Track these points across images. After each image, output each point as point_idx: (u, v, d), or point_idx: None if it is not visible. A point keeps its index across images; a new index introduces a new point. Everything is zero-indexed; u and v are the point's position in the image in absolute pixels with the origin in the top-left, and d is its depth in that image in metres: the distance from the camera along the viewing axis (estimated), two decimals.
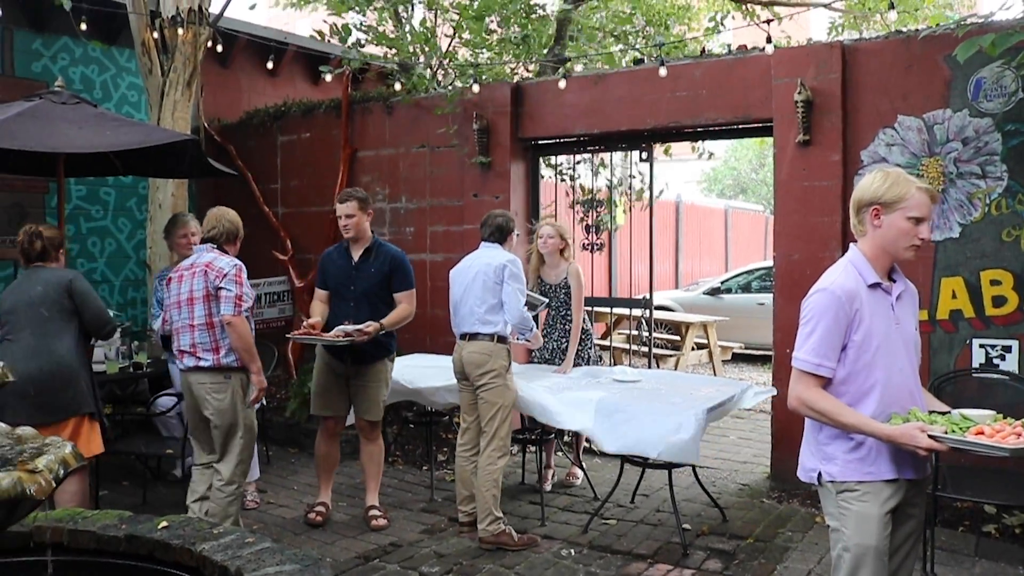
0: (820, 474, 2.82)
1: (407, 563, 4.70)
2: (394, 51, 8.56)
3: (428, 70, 8.29)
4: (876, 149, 5.72)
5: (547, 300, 5.92)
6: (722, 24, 9.62)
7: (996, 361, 5.42)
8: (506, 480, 6.00)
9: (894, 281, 2.84)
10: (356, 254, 5.28)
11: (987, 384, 5.20)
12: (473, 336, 4.98)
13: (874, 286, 2.75)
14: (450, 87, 7.60)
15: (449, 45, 8.68)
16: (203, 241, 4.76)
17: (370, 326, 5.04)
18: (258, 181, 8.60)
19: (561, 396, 5.05)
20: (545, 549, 4.90)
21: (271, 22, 10.20)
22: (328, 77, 8.18)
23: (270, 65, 9.26)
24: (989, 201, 5.43)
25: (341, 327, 5.03)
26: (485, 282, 4.94)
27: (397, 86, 7.64)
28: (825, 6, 10.42)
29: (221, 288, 4.52)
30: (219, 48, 8.27)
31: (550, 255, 6.00)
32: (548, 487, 5.98)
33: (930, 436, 2.51)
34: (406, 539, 5.07)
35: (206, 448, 4.77)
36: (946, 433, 2.50)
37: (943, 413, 2.71)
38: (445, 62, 8.62)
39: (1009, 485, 4.71)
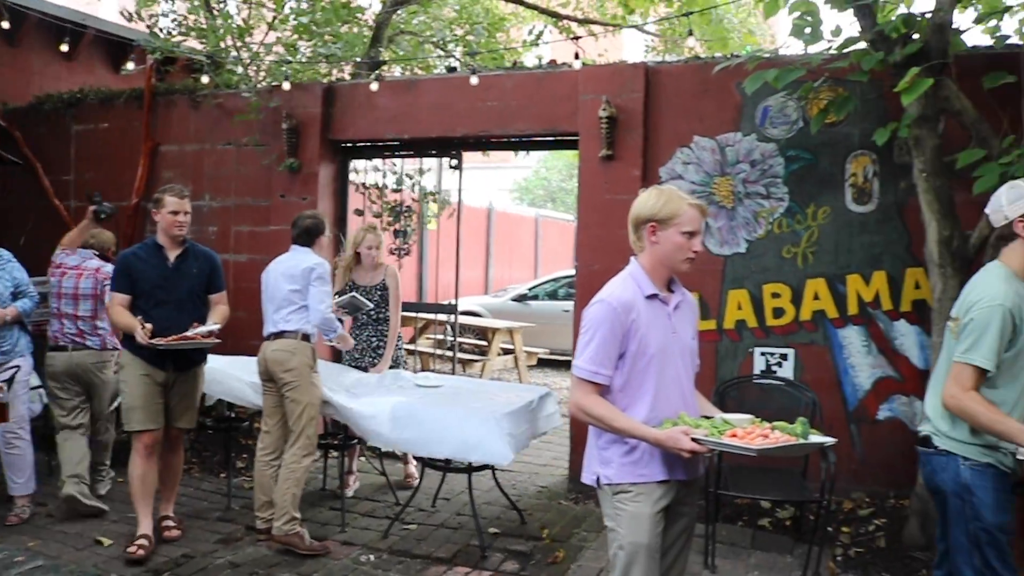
0: (598, 477, 2.94)
1: (200, 575, 4.53)
2: (203, 42, 8.24)
3: (240, 66, 8.02)
4: (673, 167, 6.03)
5: (372, 304, 5.95)
6: (539, 39, 9.85)
7: (774, 368, 5.84)
8: (306, 487, 5.89)
9: (673, 292, 3.00)
10: (172, 255, 4.95)
11: (766, 389, 5.58)
12: (278, 335, 4.93)
13: (651, 297, 2.89)
14: (260, 84, 7.40)
15: (262, 41, 8.42)
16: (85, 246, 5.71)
17: (216, 327, 4.89)
18: (48, 172, 8.05)
19: (360, 400, 5.03)
20: (344, 555, 4.86)
21: (70, 1, 9.53)
22: (131, 65, 7.78)
23: (64, 47, 8.69)
24: (772, 220, 5.85)
25: (199, 328, 4.82)
26: (292, 285, 4.92)
27: (204, 79, 7.36)
28: (637, 28, 10.90)
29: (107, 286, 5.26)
30: (5, 24, 7.67)
31: (372, 259, 6.07)
32: (350, 492, 5.94)
33: (693, 439, 2.67)
34: (200, 550, 4.89)
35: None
36: (707, 436, 2.69)
37: (710, 417, 2.90)
38: (258, 58, 8.37)
39: (781, 482, 5.07)
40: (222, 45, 7.84)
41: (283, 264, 5.06)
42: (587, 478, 3.03)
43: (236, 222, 7.39)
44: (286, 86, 6.82)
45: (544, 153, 25.65)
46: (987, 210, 3.13)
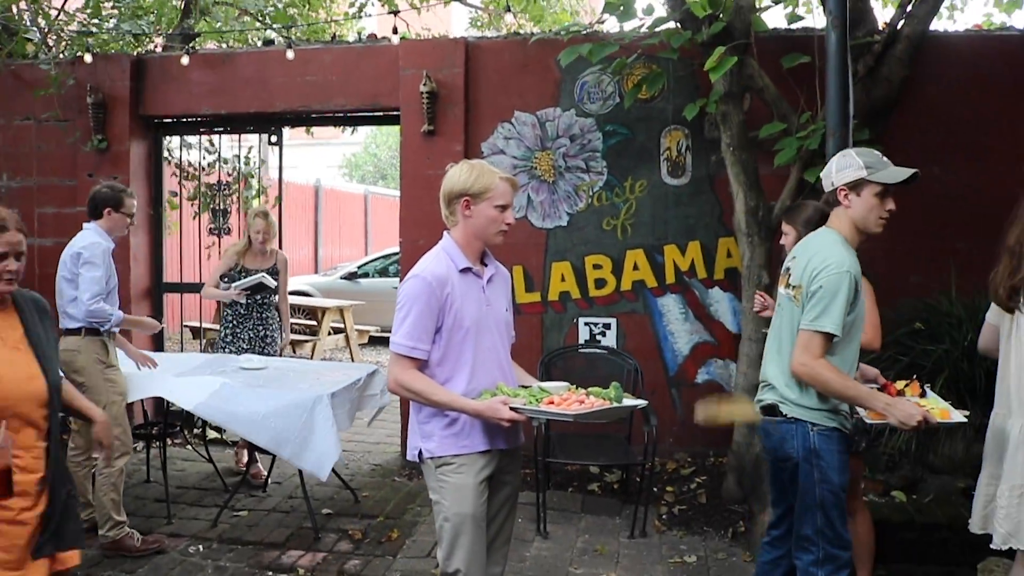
0: (421, 451, 2.95)
1: None
2: None
3: (37, 33, 7.44)
4: (495, 141, 6.08)
5: (276, 283, 5.87)
6: (361, 11, 9.66)
7: (598, 337, 6.02)
8: (130, 479, 5.62)
9: (486, 265, 3.03)
10: None
11: (591, 358, 5.76)
12: (65, 332, 4.53)
13: (465, 271, 2.90)
14: (62, 55, 6.90)
15: (62, 6, 7.85)
16: None
17: None
18: None
19: (184, 380, 4.81)
20: (172, 547, 4.66)
21: None
22: None
23: None
24: (592, 193, 6.01)
25: None
26: (63, 273, 4.53)
27: None
28: (460, 1, 10.85)
29: None
30: None
31: (265, 244, 5.91)
32: (266, 480, 5.76)
33: (512, 408, 2.71)
34: None
35: None
36: (525, 405, 2.74)
37: (528, 387, 2.95)
38: (57, 27, 7.81)
39: (608, 447, 5.26)
40: (14, 10, 7.25)
41: (66, 249, 4.61)
42: (411, 454, 3.03)
43: (40, 204, 6.88)
44: (88, 58, 6.39)
45: (373, 129, 25.28)
46: (821, 175, 3.20)
